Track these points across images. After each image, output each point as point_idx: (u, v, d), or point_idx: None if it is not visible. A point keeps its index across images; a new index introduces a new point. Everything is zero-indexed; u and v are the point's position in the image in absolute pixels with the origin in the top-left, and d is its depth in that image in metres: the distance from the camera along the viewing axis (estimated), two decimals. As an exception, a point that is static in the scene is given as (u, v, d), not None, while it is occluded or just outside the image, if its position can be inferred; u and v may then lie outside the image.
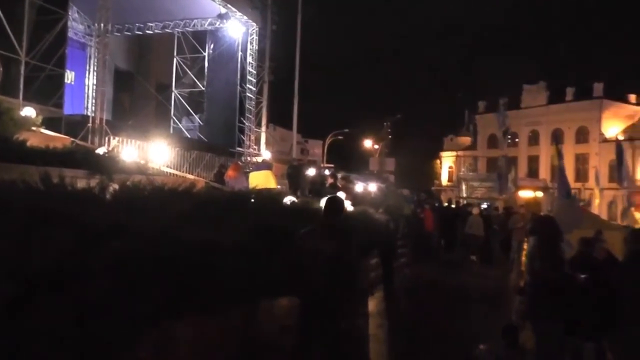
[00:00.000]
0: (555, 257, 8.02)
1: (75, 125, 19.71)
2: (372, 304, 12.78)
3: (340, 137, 52.70)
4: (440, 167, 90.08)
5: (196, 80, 32.72)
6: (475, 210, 25.42)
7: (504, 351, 9.61)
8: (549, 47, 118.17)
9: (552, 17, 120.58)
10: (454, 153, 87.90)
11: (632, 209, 33.66)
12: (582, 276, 7.91)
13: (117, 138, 19.90)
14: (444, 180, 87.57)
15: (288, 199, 11.91)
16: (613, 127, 74.01)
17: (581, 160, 74.35)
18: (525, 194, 59.04)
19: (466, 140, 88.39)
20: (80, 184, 6.51)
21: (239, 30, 29.99)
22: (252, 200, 9.41)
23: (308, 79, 39.69)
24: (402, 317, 13.09)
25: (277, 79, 34.17)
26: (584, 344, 7.86)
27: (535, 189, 62.59)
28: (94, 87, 27.23)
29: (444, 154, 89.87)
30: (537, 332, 8.02)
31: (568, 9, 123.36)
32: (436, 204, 30.53)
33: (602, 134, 73.98)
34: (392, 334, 11.57)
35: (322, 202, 7.81)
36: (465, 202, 35.13)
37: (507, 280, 18.27)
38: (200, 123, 32.28)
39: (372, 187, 29.81)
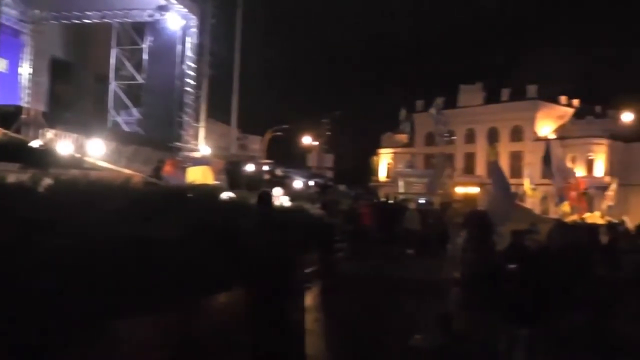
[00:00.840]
0: (487, 248, 8.24)
1: (8, 117, 19.20)
2: (310, 298, 12.86)
3: (279, 133, 52.60)
4: (379, 164, 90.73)
5: (135, 73, 32.15)
6: (412, 205, 25.77)
7: (439, 340, 9.82)
8: (485, 50, 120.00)
9: (488, 20, 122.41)
10: (392, 150, 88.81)
11: (565, 202, 34.53)
12: (513, 266, 8.12)
13: (52, 131, 19.48)
14: (382, 176, 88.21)
15: (225, 195, 11.90)
16: (545, 126, 76.49)
17: (516, 158, 76.23)
18: (462, 190, 60.09)
19: (404, 137, 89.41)
20: (12, 177, 6.38)
21: (179, 23, 29.59)
22: (189, 195, 9.38)
23: (248, 74, 39.52)
24: (339, 311, 13.19)
25: (217, 73, 33.87)
26: (518, 331, 8.07)
27: (472, 185, 63.77)
28: (29, 76, 26.62)
29: (382, 150, 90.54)
30: (472, 321, 8.22)
31: (503, 13, 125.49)
32: (374, 200, 30.85)
33: (535, 133, 76.34)
34: (329, 328, 11.66)
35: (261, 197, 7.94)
36: (402, 197, 35.46)
37: (443, 272, 18.52)
38: (139, 116, 31.73)
39: (311, 182, 29.98)
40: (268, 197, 8.49)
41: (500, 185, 12.32)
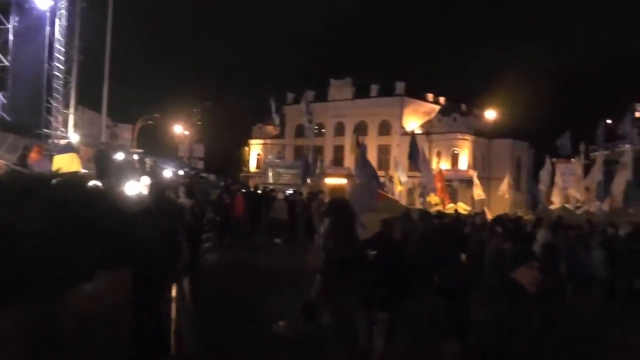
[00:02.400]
0: (349, 236, 8.50)
1: None
2: (177, 289, 12.83)
3: (150, 122, 51.50)
4: (249, 155, 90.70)
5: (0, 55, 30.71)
6: (279, 195, 26.03)
7: (301, 327, 10.08)
8: (355, 46, 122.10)
9: (359, 18, 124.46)
10: (262, 141, 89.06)
11: (432, 194, 35.82)
12: (373, 252, 8.38)
13: None
14: (252, 167, 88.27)
15: (93, 183, 11.70)
16: (412, 122, 78.96)
17: (383, 151, 78.34)
18: (331, 181, 61.01)
19: (274, 129, 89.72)
20: None
21: (47, 3, 28.39)
22: (54, 183, 9.19)
23: (120, 60, 38.54)
24: (207, 301, 13.24)
25: (88, 59, 32.77)
26: (377, 315, 8.35)
27: (340, 176, 64.92)
28: None
29: (252, 141, 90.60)
30: (332, 306, 8.48)
31: (374, 12, 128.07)
32: (243, 190, 30.84)
33: (402, 128, 78.78)
34: (197, 318, 11.67)
35: (132, 186, 7.93)
36: (271, 187, 35.64)
37: (309, 260, 18.76)
38: (4, 101, 30.26)
39: (181, 172, 29.70)
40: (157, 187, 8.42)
41: (364, 175, 12.72)
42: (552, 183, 35.25)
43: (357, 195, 11.76)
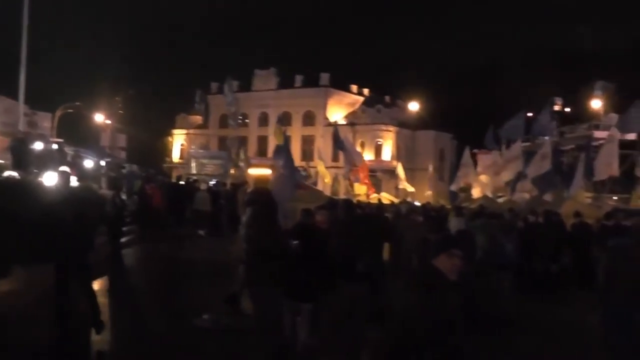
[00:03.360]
0: (271, 226, 8.42)
1: None
2: (99, 283, 12.56)
3: (71, 111, 50.14)
4: (172, 145, 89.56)
5: None
6: (203, 186, 25.72)
7: (224, 319, 9.97)
8: (280, 36, 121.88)
9: (283, 8, 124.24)
10: (186, 131, 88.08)
11: (356, 183, 36.04)
12: (295, 242, 8.33)
13: None
14: (176, 157, 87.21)
15: (8, 174, 11.36)
16: (337, 113, 79.35)
17: (307, 142, 78.50)
18: (256, 172, 60.75)
19: (198, 119, 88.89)
20: None
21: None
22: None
23: (38, 45, 37.33)
24: (130, 294, 13.00)
25: (4, 43, 31.57)
26: (301, 306, 8.30)
27: (265, 167, 64.65)
28: None
29: (176, 131, 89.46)
30: (255, 297, 8.40)
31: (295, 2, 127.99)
32: (165, 181, 30.42)
33: (326, 119, 79.04)
34: (119, 311, 11.42)
35: (50, 177, 7.72)
36: (194, 178, 35.22)
37: (233, 252, 18.61)
38: None
39: (102, 162, 29.11)
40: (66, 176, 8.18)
41: (286, 166, 12.62)
42: (474, 173, 35.94)
43: (279, 185, 11.67)
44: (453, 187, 36.30)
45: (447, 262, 4.67)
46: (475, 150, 40.29)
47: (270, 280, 7.92)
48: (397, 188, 46.31)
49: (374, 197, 33.54)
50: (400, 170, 46.17)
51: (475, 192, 34.63)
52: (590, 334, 9.97)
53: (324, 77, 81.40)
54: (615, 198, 32.37)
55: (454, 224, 17.10)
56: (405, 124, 79.28)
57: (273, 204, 8.79)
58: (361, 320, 8.94)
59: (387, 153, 77.34)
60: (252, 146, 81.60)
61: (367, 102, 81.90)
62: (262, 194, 9.25)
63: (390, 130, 78.27)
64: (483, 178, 33.81)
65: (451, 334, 4.47)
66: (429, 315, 4.39)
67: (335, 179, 45.31)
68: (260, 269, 8.09)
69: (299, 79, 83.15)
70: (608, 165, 25.30)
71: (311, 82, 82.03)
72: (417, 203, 30.77)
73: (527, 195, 28.83)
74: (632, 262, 8.69)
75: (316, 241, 8.36)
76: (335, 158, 59.19)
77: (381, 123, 78.06)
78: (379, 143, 78.04)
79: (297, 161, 74.99)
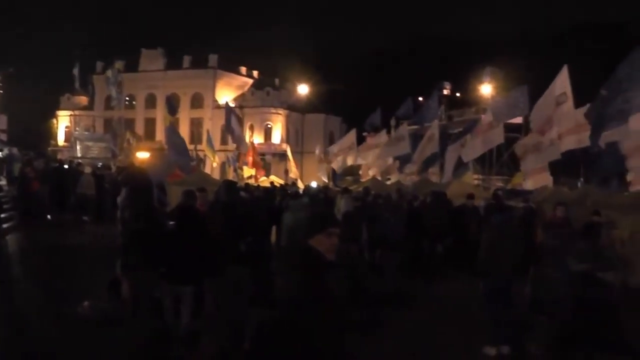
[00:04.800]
0: (146, 207, 8.19)
1: None
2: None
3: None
4: (57, 127, 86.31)
5: None
6: (87, 169, 24.88)
7: (105, 307, 9.66)
8: (167, 15, 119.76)
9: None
10: (71, 112, 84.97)
11: (245, 167, 35.91)
12: (172, 223, 8.15)
13: None
14: (61, 140, 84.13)
15: None
16: (226, 95, 78.55)
17: (196, 124, 77.49)
18: (143, 155, 59.57)
19: (83, 99, 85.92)
20: None
21: None
22: None
23: None
24: (9, 283, 12.48)
25: None
26: (182, 289, 8.14)
27: (152, 150, 63.48)
28: None
29: (60, 112, 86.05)
30: (131, 281, 8.16)
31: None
32: (47, 164, 29.27)
33: (215, 101, 78.16)
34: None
35: None
36: (78, 161, 34.08)
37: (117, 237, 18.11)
38: None
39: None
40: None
41: (175, 148, 12.40)
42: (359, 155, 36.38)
43: (158, 163, 11.43)
44: (335, 167, 36.74)
45: (324, 242, 4.59)
46: (364, 134, 40.74)
47: (147, 263, 7.70)
48: (286, 171, 46.45)
49: (263, 181, 33.54)
50: (289, 154, 46.32)
51: (364, 174, 35.10)
52: (471, 309, 10.26)
53: (213, 59, 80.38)
54: (501, 179, 33.53)
55: (342, 205, 17.28)
56: (295, 107, 79.51)
57: (147, 184, 8.55)
58: (245, 302, 8.81)
59: (276, 136, 77.32)
60: (140, 128, 79.67)
61: (257, 85, 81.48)
62: (136, 173, 8.98)
63: (279, 114, 78.28)
64: (371, 160, 34.26)
65: (332, 313, 4.41)
66: (308, 296, 4.31)
67: (224, 162, 45.05)
68: (136, 251, 7.86)
69: (187, 59, 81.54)
70: (473, 149, 25.92)
71: (199, 63, 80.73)
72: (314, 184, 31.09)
73: (415, 177, 29.40)
74: (510, 237, 9.00)
75: (196, 223, 8.20)
76: (224, 141, 58.77)
77: (271, 106, 77.94)
78: (268, 126, 77.92)
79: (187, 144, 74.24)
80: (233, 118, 34.23)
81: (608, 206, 15.70)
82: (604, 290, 7.79)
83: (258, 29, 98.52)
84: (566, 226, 11.17)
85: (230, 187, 11.34)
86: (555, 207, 12.01)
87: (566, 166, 24.07)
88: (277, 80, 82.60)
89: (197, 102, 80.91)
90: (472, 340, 9.47)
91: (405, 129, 30.11)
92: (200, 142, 63.43)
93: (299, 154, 60.00)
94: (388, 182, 30.23)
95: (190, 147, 38.01)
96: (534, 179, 22.77)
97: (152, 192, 8.61)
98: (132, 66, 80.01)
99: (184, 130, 69.95)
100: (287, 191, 18.34)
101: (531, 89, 22.89)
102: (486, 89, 54.45)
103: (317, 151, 44.63)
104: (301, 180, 41.05)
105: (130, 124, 72.91)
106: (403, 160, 30.66)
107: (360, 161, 35.82)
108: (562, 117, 20.54)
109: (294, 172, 43.50)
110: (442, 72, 60.30)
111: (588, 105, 18.77)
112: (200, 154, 49.94)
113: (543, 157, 21.74)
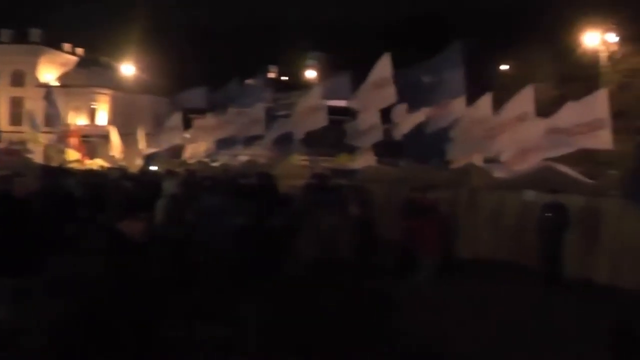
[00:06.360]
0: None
1: None
2: None
3: None
4: None
5: None
6: None
7: None
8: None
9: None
10: None
11: (68, 149, 34.78)
12: None
13: None
14: None
15: None
16: (49, 73, 75.21)
17: (17, 104, 73.57)
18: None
19: None
20: None
21: None
22: None
23: None
24: None
25: None
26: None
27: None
28: None
29: None
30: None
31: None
32: None
33: (38, 79, 74.49)
34: None
35: None
36: None
37: None
38: None
39: None
40: None
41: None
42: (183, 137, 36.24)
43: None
44: (159, 149, 36.44)
45: (132, 225, 4.65)
46: (192, 115, 40.47)
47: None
48: (111, 154, 45.37)
49: (89, 164, 32.69)
50: (114, 136, 45.31)
51: (189, 156, 34.97)
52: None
53: (35, 33, 75.85)
54: (327, 160, 34.44)
55: (167, 187, 17.22)
56: (121, 88, 77.17)
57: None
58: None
59: (102, 118, 74.97)
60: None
61: (82, 63, 78.42)
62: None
63: (105, 94, 75.90)
64: (198, 142, 34.21)
65: (140, 296, 4.48)
66: (113, 282, 4.36)
67: (48, 145, 43.36)
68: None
69: (6, 33, 76.63)
70: (296, 129, 26.59)
71: (20, 37, 76.13)
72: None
73: (243, 158, 29.70)
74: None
75: (12, 210, 7.98)
76: (48, 122, 56.32)
77: (96, 86, 75.26)
78: (93, 107, 75.33)
79: (5, 125, 70.37)
80: (52, 98, 33.07)
81: (428, 183, 16.85)
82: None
83: (85, 2, 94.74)
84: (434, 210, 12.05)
85: (48, 173, 11.08)
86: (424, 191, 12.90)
87: (389, 146, 25.18)
88: (103, 59, 79.84)
89: (18, 79, 76.44)
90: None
91: (233, 111, 30.27)
92: (20, 123, 60.49)
93: (125, 135, 58.29)
94: (214, 164, 30.34)
95: (10, 128, 36.40)
96: (362, 158, 23.92)
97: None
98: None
99: (3, 111, 66.48)
100: (111, 176, 18.01)
101: (356, 75, 23.76)
102: (311, 73, 55.73)
103: (139, 133, 43.95)
104: (128, 162, 40.19)
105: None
106: (226, 144, 30.85)
107: (187, 143, 35.67)
108: (383, 101, 21.71)
109: (119, 155, 42.60)
110: (268, 56, 60.98)
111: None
112: (23, 136, 47.80)
113: (369, 138, 22.86)
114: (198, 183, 17.11)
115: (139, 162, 37.52)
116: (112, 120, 73.30)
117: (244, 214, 11.07)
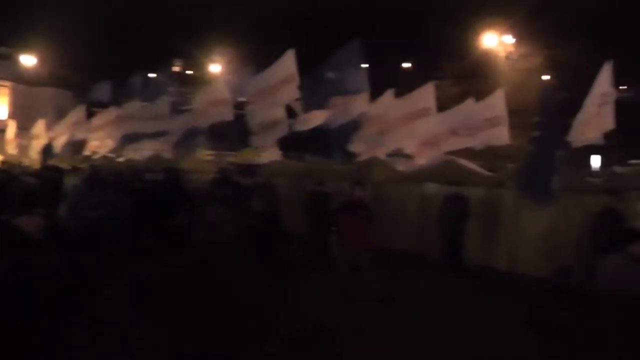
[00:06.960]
0: None
1: None
2: None
3: None
4: None
5: None
6: None
7: None
8: None
9: None
10: None
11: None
12: None
13: None
14: None
15: None
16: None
17: None
18: None
19: None
20: None
21: None
22: None
23: None
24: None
25: None
26: None
27: None
28: None
29: None
30: None
31: None
32: None
33: None
34: None
35: None
36: None
37: None
38: None
39: None
40: None
41: None
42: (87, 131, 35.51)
43: None
44: (59, 143, 35.74)
45: (29, 221, 4.68)
46: (95, 109, 39.66)
47: None
48: (7, 149, 44.11)
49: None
50: (11, 130, 44.09)
51: (91, 151, 34.34)
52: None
53: None
54: (232, 155, 34.49)
55: (69, 183, 17.06)
56: (22, 79, 74.78)
57: None
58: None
59: (2, 112, 72.59)
60: None
61: (-21, 53, 75.71)
62: None
63: (5, 86, 73.47)
64: (102, 136, 33.66)
65: (38, 293, 4.45)
66: (6, 278, 4.31)
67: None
68: None
69: None
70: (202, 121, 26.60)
71: None
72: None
73: (147, 153, 29.42)
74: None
75: None
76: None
77: (-5, 78, 72.81)
78: (-9, 100, 72.91)
79: None
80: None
81: (332, 177, 17.23)
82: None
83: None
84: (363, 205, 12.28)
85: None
86: (353, 187, 13.11)
87: (294, 141, 25.51)
88: (3, 49, 77.23)
89: None
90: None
91: (136, 105, 29.96)
92: None
93: (26, 130, 56.60)
94: (119, 159, 29.96)
95: None
96: (267, 153, 24.11)
97: None
98: None
99: None
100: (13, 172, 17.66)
101: (259, 70, 23.92)
102: (216, 68, 55.69)
103: (39, 126, 42.80)
104: (26, 158, 39.07)
105: None
106: (130, 139, 30.43)
107: (89, 137, 35.01)
108: (286, 97, 22.01)
109: (16, 150, 41.44)
110: (173, 49, 60.49)
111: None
112: None
113: (275, 134, 23.06)
114: (102, 179, 16.98)
115: (37, 157, 36.56)
116: (12, 114, 71.12)
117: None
